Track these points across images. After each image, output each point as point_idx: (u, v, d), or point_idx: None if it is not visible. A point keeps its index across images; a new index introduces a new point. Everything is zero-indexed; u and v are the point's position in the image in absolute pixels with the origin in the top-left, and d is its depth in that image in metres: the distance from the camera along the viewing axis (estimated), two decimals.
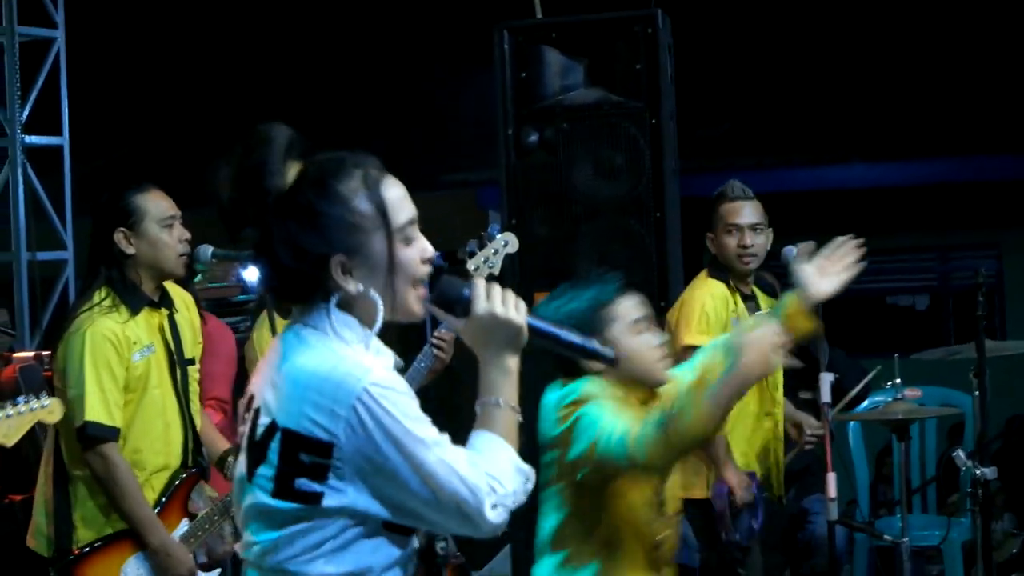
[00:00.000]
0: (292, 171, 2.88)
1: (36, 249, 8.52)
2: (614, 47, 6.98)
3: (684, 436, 3.91)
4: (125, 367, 5.04)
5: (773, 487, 6.37)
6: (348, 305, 2.90)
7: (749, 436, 6.28)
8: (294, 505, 2.82)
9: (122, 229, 5.15)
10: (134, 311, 5.13)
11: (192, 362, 5.36)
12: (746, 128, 11.35)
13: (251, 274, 7.40)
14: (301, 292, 2.91)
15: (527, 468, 2.93)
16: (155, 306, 5.22)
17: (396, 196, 2.93)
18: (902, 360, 6.38)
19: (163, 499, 5.18)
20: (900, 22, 11.18)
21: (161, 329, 5.22)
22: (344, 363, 2.82)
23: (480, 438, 2.92)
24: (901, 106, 11.28)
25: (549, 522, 4.24)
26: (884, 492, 9.31)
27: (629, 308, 4.28)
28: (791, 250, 6.00)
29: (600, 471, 4.06)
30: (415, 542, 2.96)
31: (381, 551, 2.86)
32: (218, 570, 5.35)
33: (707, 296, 6.24)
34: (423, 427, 2.81)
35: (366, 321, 2.91)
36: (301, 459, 2.79)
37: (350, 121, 10.20)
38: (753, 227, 6.30)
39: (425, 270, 2.95)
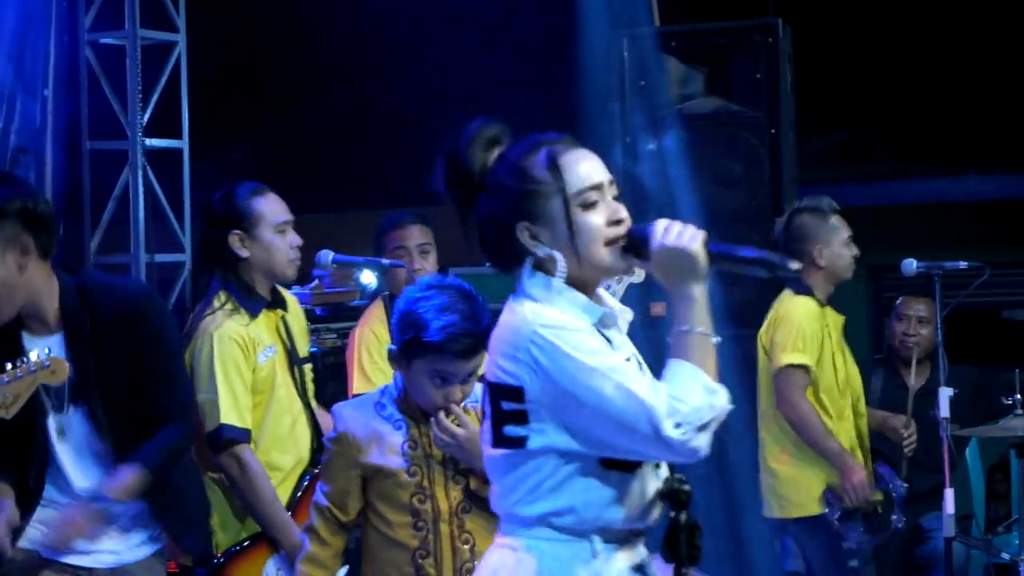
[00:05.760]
0: (491, 159, 3.16)
1: (155, 251, 8.61)
2: (734, 56, 6.97)
3: None
4: (252, 369, 5.02)
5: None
6: (543, 267, 3.12)
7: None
8: (508, 451, 3.07)
9: (237, 232, 5.13)
10: (253, 314, 5.13)
11: (307, 360, 5.36)
12: (861, 139, 11.25)
13: (368, 279, 7.44)
14: (505, 260, 3.18)
15: (716, 386, 3.04)
16: (271, 307, 5.24)
17: (575, 163, 3.12)
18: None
19: (298, 494, 5.18)
20: (1015, 34, 11.04)
21: (278, 330, 5.25)
22: (521, 314, 3.08)
23: (669, 366, 3.06)
24: (1018, 118, 11.14)
25: None
26: (996, 508, 9.17)
27: None
28: (910, 263, 5.99)
29: None
30: (641, 480, 3.08)
31: (598, 489, 3.05)
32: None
33: (801, 313, 6.16)
34: (596, 357, 3.00)
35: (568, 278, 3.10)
36: (503, 407, 3.06)
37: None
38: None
39: (615, 231, 3.11)
